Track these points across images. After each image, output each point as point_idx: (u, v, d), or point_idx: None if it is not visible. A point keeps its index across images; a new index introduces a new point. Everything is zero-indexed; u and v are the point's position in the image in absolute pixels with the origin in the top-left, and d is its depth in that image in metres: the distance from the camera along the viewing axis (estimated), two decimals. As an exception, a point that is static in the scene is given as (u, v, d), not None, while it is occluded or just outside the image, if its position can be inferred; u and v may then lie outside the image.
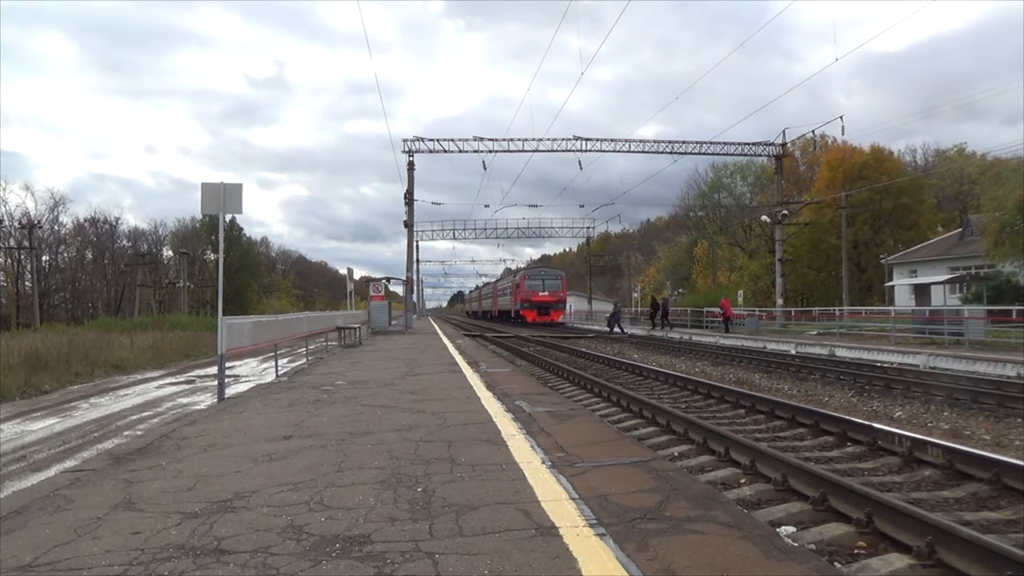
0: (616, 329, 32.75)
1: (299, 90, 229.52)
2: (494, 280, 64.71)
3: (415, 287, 48.41)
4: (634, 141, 36.33)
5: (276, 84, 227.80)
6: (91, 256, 64.21)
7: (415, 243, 43.48)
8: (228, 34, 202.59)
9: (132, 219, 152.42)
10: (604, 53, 74.57)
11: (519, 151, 35.15)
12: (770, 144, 36.08)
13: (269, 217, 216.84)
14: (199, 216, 61.09)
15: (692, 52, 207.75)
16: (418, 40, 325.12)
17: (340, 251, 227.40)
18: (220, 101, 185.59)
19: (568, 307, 32.38)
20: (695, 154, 36.40)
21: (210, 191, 9.65)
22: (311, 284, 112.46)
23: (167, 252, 69.70)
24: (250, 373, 15.50)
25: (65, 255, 62.37)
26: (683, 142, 35.76)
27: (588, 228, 57.10)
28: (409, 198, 34.90)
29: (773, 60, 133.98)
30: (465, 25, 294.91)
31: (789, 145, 37.66)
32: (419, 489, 4.16)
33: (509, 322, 45.39)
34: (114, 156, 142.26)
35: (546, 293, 40.37)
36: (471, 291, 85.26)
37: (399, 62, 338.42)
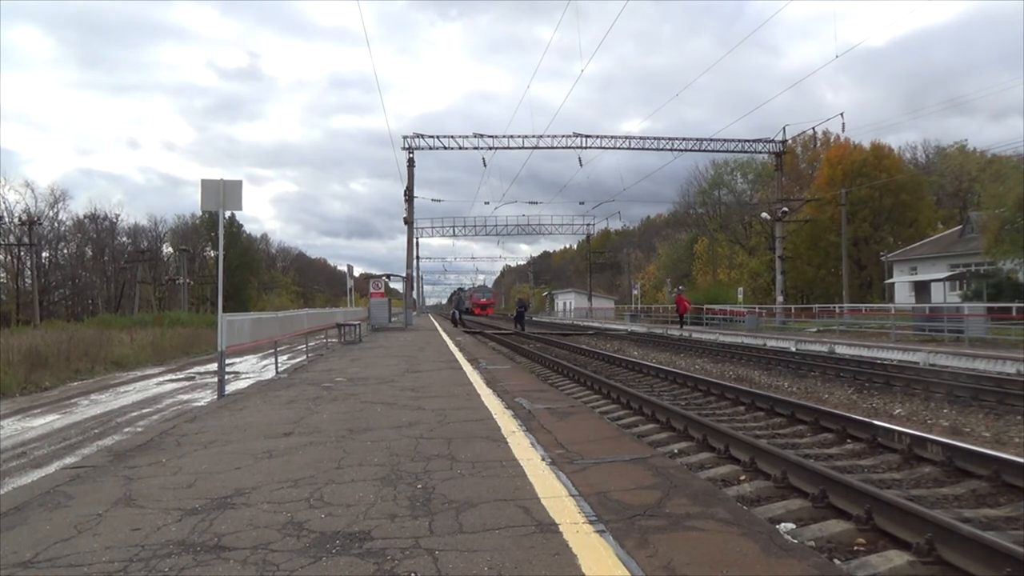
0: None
1: (281, 85, 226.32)
2: (465, 289, 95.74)
3: (415, 284, 48.43)
4: (634, 138, 36.34)
5: (257, 79, 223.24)
6: (91, 253, 64.22)
7: (415, 240, 43.65)
8: (206, 28, 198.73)
9: (130, 215, 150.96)
10: (586, 47, 74.75)
11: (519, 148, 35.18)
12: (771, 141, 36.09)
13: (261, 213, 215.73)
14: (197, 212, 61.33)
15: (673, 46, 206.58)
16: (396, 33, 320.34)
17: (335, 247, 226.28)
18: (203, 96, 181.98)
19: (567, 304, 36.09)
20: (696, 151, 36.42)
21: (210, 188, 9.63)
22: (311, 281, 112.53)
23: (167, 249, 69.82)
24: (250, 370, 15.50)
25: (65, 252, 62.39)
26: (683, 139, 35.83)
27: (588, 225, 57.48)
28: (409, 195, 34.85)
29: (754, 54, 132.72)
30: (438, 16, 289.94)
31: (790, 142, 37.64)
32: (419, 486, 4.16)
33: (468, 315, 70.71)
34: (101, 152, 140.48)
35: (484, 299, 73.46)
36: (456, 295, 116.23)
37: (379, 56, 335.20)
